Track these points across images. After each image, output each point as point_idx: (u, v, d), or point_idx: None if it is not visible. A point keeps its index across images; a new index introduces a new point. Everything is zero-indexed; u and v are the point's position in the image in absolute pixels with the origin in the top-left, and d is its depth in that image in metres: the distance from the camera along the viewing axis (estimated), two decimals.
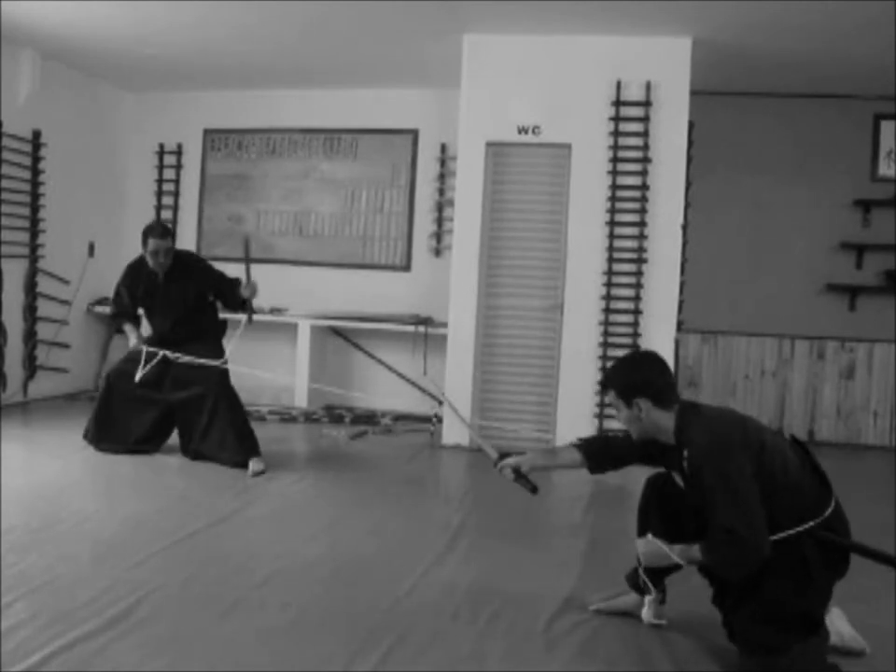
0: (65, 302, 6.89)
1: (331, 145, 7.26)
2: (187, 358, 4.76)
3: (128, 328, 5.06)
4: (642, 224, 5.60)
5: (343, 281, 7.17)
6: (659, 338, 5.60)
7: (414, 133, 7.07)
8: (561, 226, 5.71)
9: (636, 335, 5.62)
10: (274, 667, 2.41)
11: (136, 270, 4.99)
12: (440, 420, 6.04)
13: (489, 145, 5.75)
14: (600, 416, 5.63)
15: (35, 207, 6.52)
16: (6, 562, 3.08)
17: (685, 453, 2.48)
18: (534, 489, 2.84)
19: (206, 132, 7.52)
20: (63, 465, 4.72)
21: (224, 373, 4.84)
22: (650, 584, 2.73)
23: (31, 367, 6.57)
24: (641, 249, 5.60)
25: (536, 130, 5.69)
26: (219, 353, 4.92)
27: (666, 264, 5.62)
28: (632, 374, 2.61)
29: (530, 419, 5.79)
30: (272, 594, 2.96)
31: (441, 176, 7.00)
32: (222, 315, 5.23)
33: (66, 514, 3.76)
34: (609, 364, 5.52)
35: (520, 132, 5.70)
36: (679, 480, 2.58)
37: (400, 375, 7.07)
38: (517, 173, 5.76)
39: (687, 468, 2.48)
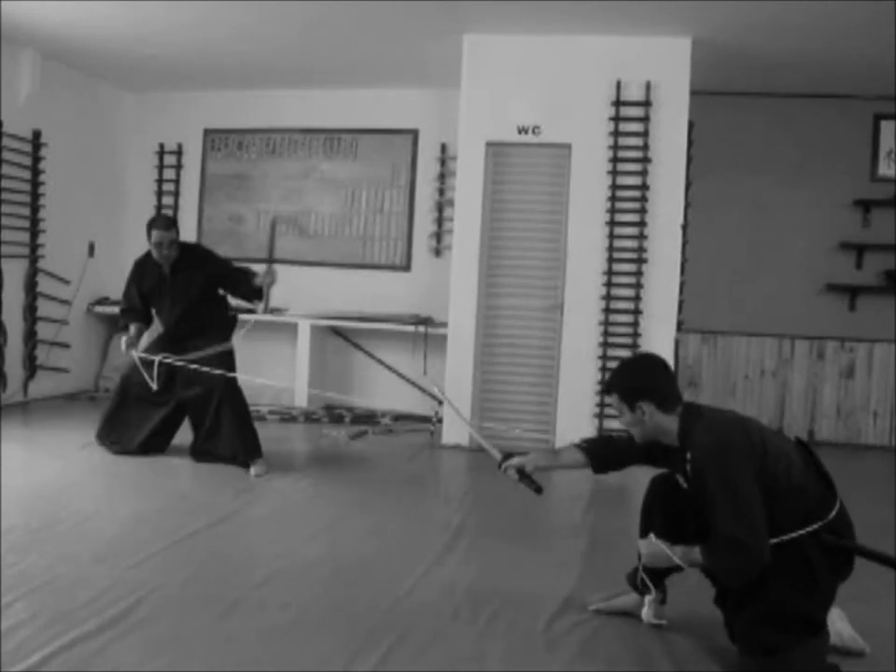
0: (65, 302, 6.90)
1: (331, 145, 7.26)
2: (192, 363, 4.71)
3: (130, 329, 5.00)
4: (642, 224, 5.60)
5: (343, 281, 7.17)
6: (659, 338, 5.60)
7: (414, 133, 7.07)
8: (561, 226, 5.71)
9: (636, 335, 5.62)
10: (274, 667, 2.41)
11: (143, 264, 4.96)
12: (440, 420, 6.04)
13: (489, 145, 5.75)
14: (600, 416, 5.63)
15: (35, 207, 6.53)
16: (6, 562, 3.08)
17: (688, 455, 2.47)
18: (538, 489, 2.84)
19: (206, 132, 7.52)
20: (63, 465, 4.72)
21: (229, 372, 4.81)
22: (650, 584, 2.73)
23: (31, 367, 6.57)
24: (641, 249, 5.60)
25: (536, 130, 5.69)
26: (227, 351, 4.89)
27: (666, 264, 5.62)
28: (635, 378, 2.60)
29: (530, 419, 5.79)
30: (272, 594, 2.96)
31: (441, 176, 7.00)
32: (234, 303, 5.18)
33: (66, 514, 3.76)
34: (609, 365, 5.58)
35: (520, 132, 5.70)
36: (682, 482, 2.58)
37: (400, 375, 7.07)
38: (517, 173, 5.76)
39: (690, 470, 2.48)
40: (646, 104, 5.57)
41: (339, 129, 7.23)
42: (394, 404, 6.99)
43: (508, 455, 2.91)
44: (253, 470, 4.66)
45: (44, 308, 6.67)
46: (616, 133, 5.60)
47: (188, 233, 7.47)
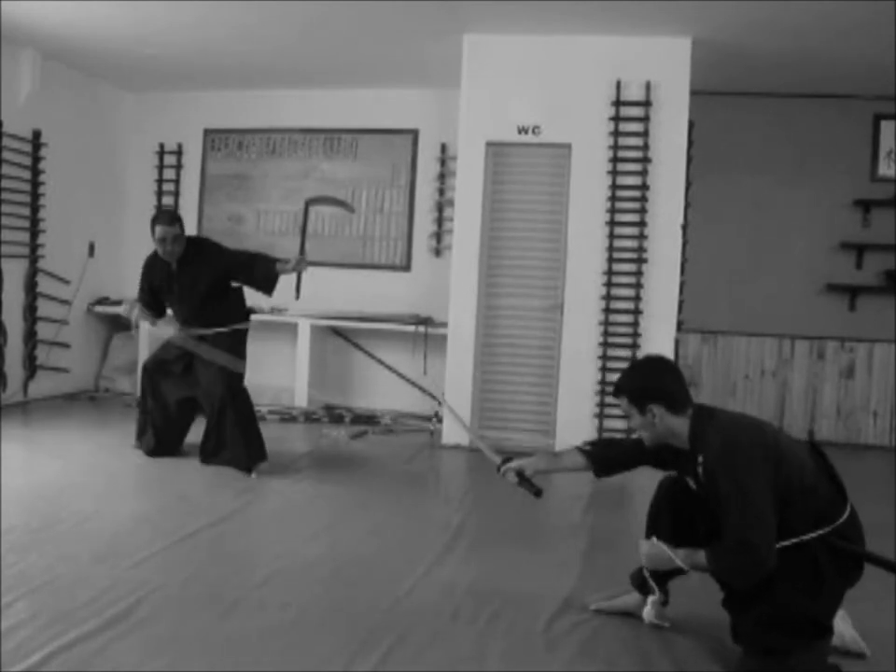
0: (65, 302, 6.90)
1: (331, 145, 7.26)
2: (205, 355, 4.72)
3: (145, 314, 4.96)
4: (642, 224, 5.60)
5: (343, 281, 7.17)
6: (659, 338, 5.60)
7: (414, 133, 7.07)
8: (561, 226, 5.71)
9: (636, 335, 5.62)
10: (274, 667, 2.41)
11: (151, 262, 4.92)
12: (440, 420, 6.04)
13: (489, 145, 5.75)
14: (600, 416, 5.64)
15: (35, 207, 6.52)
16: (6, 562, 3.08)
17: (700, 458, 2.46)
18: (538, 493, 2.83)
19: (206, 132, 7.52)
20: (63, 465, 4.72)
21: (235, 374, 4.78)
22: (654, 585, 2.73)
23: (31, 367, 6.57)
24: (641, 249, 5.60)
25: (536, 130, 5.69)
26: (241, 331, 4.88)
27: (666, 264, 5.62)
28: (644, 380, 2.58)
29: (530, 419, 5.79)
30: (272, 594, 2.96)
31: (441, 176, 7.00)
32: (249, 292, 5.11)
33: (66, 514, 3.76)
34: (609, 365, 5.58)
35: (520, 132, 5.70)
36: (692, 484, 2.56)
37: (400, 375, 7.07)
38: (517, 173, 5.76)
39: (702, 473, 2.46)
40: (646, 104, 5.57)
41: (339, 129, 7.23)
42: (394, 404, 6.99)
43: (507, 459, 2.90)
44: (255, 474, 4.65)
45: (44, 308, 6.66)
46: (616, 133, 5.60)
47: (188, 233, 7.47)
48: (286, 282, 4.91)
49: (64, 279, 6.87)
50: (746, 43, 5.46)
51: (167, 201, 7.61)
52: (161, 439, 4.96)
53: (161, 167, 7.60)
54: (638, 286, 5.60)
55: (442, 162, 6.98)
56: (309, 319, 6.83)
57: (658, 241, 5.61)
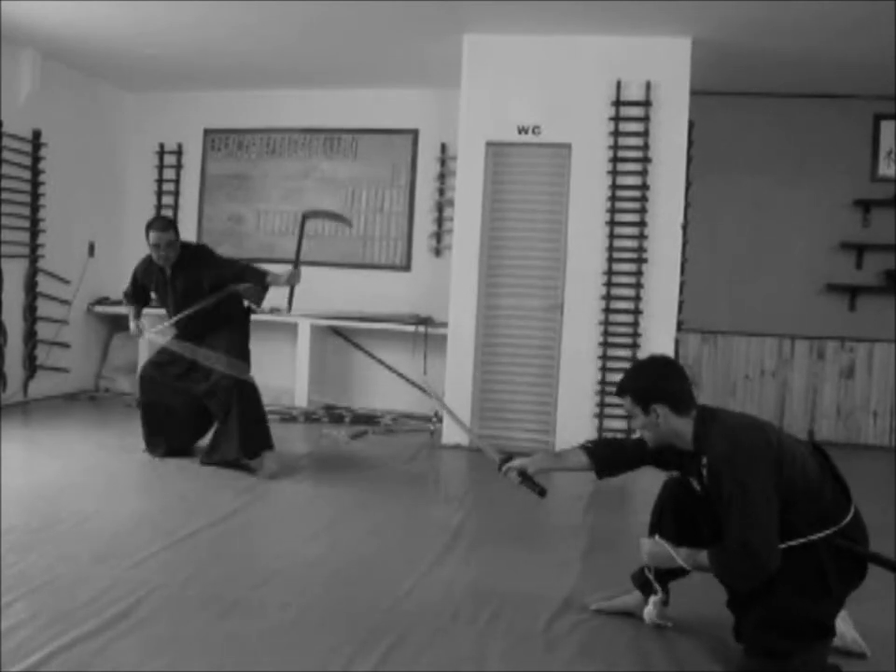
0: (65, 302, 6.90)
1: (331, 145, 7.26)
2: (206, 358, 4.69)
3: (132, 313, 5.07)
4: (642, 224, 5.60)
5: (343, 281, 7.17)
6: (659, 338, 5.60)
7: (414, 133, 7.07)
8: (561, 226, 5.71)
9: (636, 335, 5.62)
10: (274, 667, 2.41)
11: (145, 268, 4.92)
12: (440, 420, 6.04)
13: (489, 145, 5.75)
14: (600, 416, 5.63)
15: (35, 207, 6.53)
16: (6, 562, 3.08)
17: (704, 460, 2.45)
18: (542, 492, 2.82)
19: (206, 132, 7.53)
20: (63, 465, 4.72)
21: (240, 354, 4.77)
22: (656, 585, 2.73)
23: (31, 367, 6.57)
24: (641, 249, 5.60)
25: (536, 130, 5.69)
26: (243, 353, 4.86)
27: (666, 264, 5.62)
28: (648, 380, 2.56)
29: (530, 419, 5.79)
30: (272, 594, 2.96)
31: (441, 176, 7.00)
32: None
33: (66, 514, 3.76)
34: (609, 365, 5.58)
35: (520, 132, 5.70)
36: (696, 485, 2.56)
37: (400, 375, 7.07)
38: (517, 173, 5.76)
39: (706, 475, 2.46)
40: (646, 104, 5.57)
41: (339, 129, 7.23)
42: (394, 404, 6.99)
43: (508, 458, 2.89)
44: (265, 464, 4.61)
45: (44, 308, 6.67)
46: (616, 133, 5.60)
47: (188, 233, 7.48)
48: (281, 287, 4.89)
49: (64, 279, 6.87)
50: (746, 43, 5.46)
51: (167, 201, 7.62)
52: (172, 446, 4.95)
53: (161, 167, 7.60)
54: (638, 286, 5.60)
55: (442, 162, 6.98)
56: (309, 319, 6.83)
57: (658, 241, 5.61)
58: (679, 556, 2.49)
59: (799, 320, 6.61)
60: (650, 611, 2.77)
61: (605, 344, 5.64)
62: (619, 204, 5.61)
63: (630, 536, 3.79)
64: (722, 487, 2.36)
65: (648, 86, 5.57)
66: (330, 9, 5.23)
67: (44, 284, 6.66)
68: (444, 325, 6.12)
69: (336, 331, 7.23)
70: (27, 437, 5.53)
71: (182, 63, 6.65)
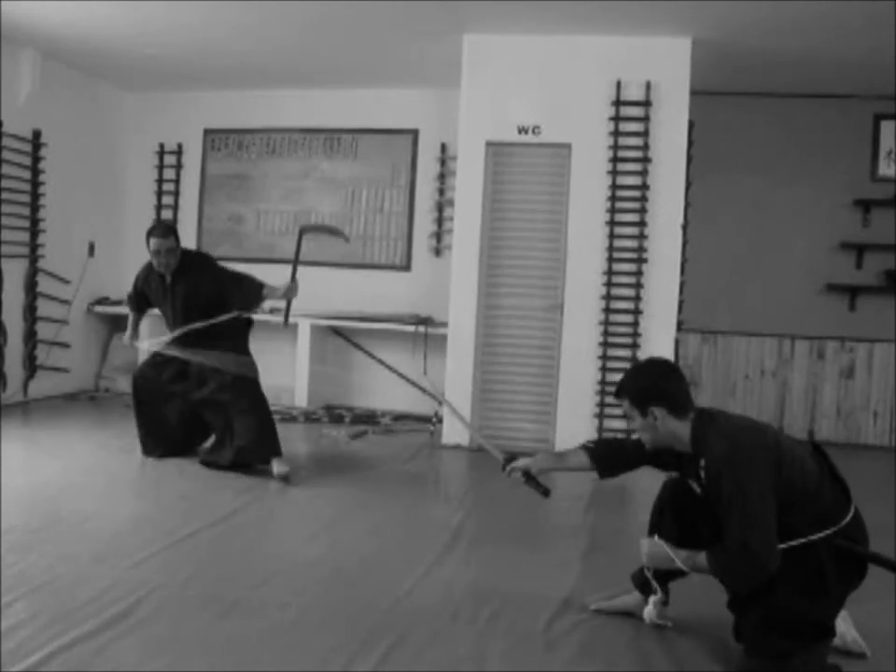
0: (65, 302, 6.90)
1: (331, 145, 7.27)
2: (210, 361, 4.67)
3: (131, 320, 5.12)
4: (642, 224, 5.60)
5: (343, 281, 7.17)
6: (659, 338, 5.60)
7: (414, 133, 7.07)
8: (561, 226, 5.71)
9: (636, 335, 5.61)
10: (274, 667, 2.41)
11: (145, 275, 4.91)
12: (440, 420, 6.04)
13: (489, 145, 5.75)
14: (600, 416, 5.63)
15: (35, 207, 6.53)
16: (6, 562, 3.08)
17: (702, 462, 2.45)
18: (546, 492, 2.84)
19: (206, 132, 7.53)
20: (63, 465, 4.72)
21: (244, 376, 4.75)
22: (656, 585, 2.73)
23: (31, 367, 6.57)
24: (641, 249, 5.60)
25: (536, 130, 5.69)
26: (247, 353, 4.86)
27: (666, 264, 5.62)
28: (646, 382, 2.56)
29: (530, 419, 5.79)
30: (272, 594, 2.96)
31: (441, 176, 7.00)
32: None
33: (66, 514, 3.76)
34: (609, 365, 5.58)
35: (520, 132, 5.70)
36: (695, 487, 2.56)
37: (401, 375, 7.07)
38: (517, 173, 5.76)
39: (704, 477, 2.46)
40: (646, 104, 5.57)
41: (339, 129, 7.23)
42: (394, 404, 6.99)
43: (512, 458, 2.90)
44: (276, 468, 4.58)
45: (44, 308, 6.67)
46: (616, 133, 5.60)
47: (188, 233, 7.50)
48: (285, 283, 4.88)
49: (64, 279, 6.87)
50: (746, 43, 5.46)
51: (167, 201, 7.62)
52: (168, 449, 4.94)
53: (161, 167, 7.60)
54: (638, 286, 5.60)
55: (442, 162, 6.98)
56: (309, 319, 6.83)
57: (658, 241, 5.61)
58: (678, 558, 2.49)
59: (799, 320, 6.61)
60: (650, 611, 2.77)
61: (605, 344, 5.64)
62: (619, 204, 5.61)
63: (630, 536, 3.79)
64: (721, 489, 2.36)
65: (648, 86, 5.57)
66: (330, 9, 5.23)
67: (44, 284, 6.66)
68: (444, 325, 6.12)
69: (336, 331, 7.22)
70: (27, 437, 5.53)
71: (182, 63, 6.65)
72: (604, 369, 5.62)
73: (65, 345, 6.88)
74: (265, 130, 7.38)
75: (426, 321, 6.67)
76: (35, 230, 6.54)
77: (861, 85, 6.22)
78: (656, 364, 2.69)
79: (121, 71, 6.96)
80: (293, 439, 5.89)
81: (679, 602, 2.80)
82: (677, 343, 5.91)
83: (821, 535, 2.35)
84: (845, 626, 2.60)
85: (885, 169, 6.54)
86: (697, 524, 2.59)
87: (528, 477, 2.85)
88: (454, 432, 5.77)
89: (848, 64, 5.76)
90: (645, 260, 5.60)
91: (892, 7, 4.63)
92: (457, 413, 3.59)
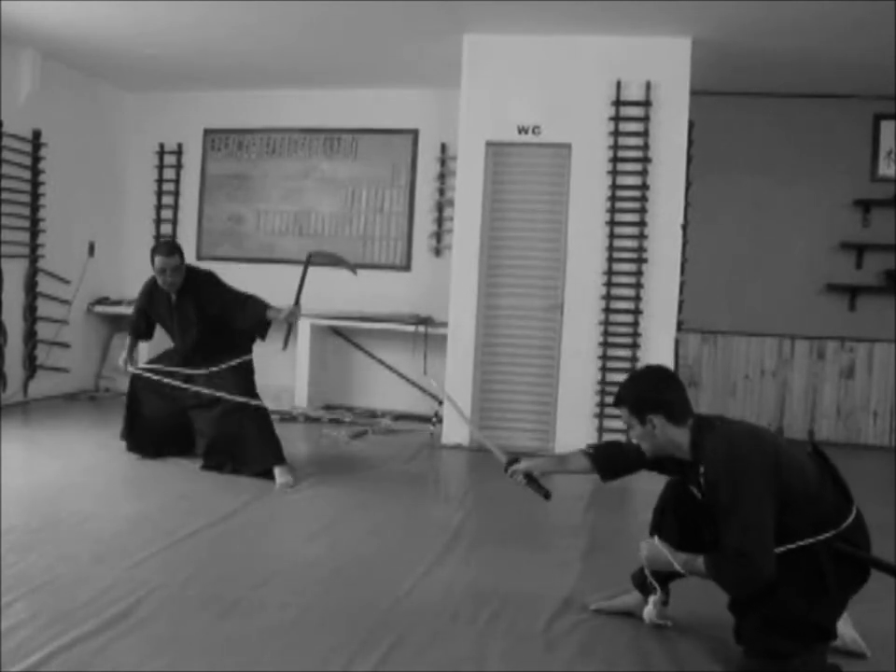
0: (65, 302, 6.90)
1: (331, 145, 7.26)
2: (217, 391, 4.63)
3: (128, 345, 5.03)
4: (642, 224, 5.60)
5: (343, 281, 7.15)
6: (659, 338, 5.61)
7: (414, 133, 7.07)
8: (561, 226, 5.71)
9: (636, 335, 5.61)
10: (274, 667, 2.41)
11: (150, 291, 4.86)
12: (440, 420, 6.04)
13: (489, 145, 5.75)
14: (600, 416, 5.63)
15: (35, 207, 6.53)
16: (6, 562, 3.08)
17: (701, 469, 2.45)
18: (547, 494, 2.86)
19: (206, 132, 7.53)
20: (63, 465, 4.72)
21: (248, 391, 4.73)
22: (656, 585, 2.73)
23: (31, 367, 6.57)
24: (641, 249, 5.60)
25: (536, 130, 5.69)
26: (245, 363, 4.82)
27: (666, 264, 5.62)
28: (645, 391, 2.56)
29: (530, 419, 5.79)
30: (272, 594, 2.96)
31: (441, 176, 7.00)
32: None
33: (66, 514, 3.76)
34: (609, 365, 5.58)
35: (520, 132, 5.70)
36: (696, 493, 2.56)
37: (401, 375, 7.07)
38: (517, 173, 5.76)
39: (704, 483, 2.46)
40: (646, 104, 5.57)
41: (339, 129, 7.23)
42: (394, 404, 6.99)
43: (514, 460, 2.91)
44: (279, 478, 4.53)
45: (44, 308, 6.66)
46: (616, 133, 5.60)
47: (188, 233, 7.51)
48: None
49: (64, 279, 6.87)
50: (746, 43, 5.46)
51: (167, 201, 7.62)
52: (155, 450, 4.92)
53: (161, 167, 7.60)
54: (638, 286, 5.60)
55: (442, 162, 6.98)
56: (309, 319, 6.82)
57: (658, 241, 5.61)
58: (677, 561, 2.49)
59: (799, 320, 6.61)
60: (650, 611, 2.77)
61: (605, 344, 5.64)
62: (619, 204, 5.61)
63: (630, 536, 3.79)
64: (719, 495, 2.36)
65: (648, 86, 5.57)
66: (330, 9, 5.23)
67: (44, 284, 6.66)
68: (444, 325, 6.12)
69: (336, 331, 7.22)
70: (27, 437, 5.53)
71: (182, 63, 6.65)
72: (604, 369, 5.62)
73: (65, 345, 6.88)
74: (265, 130, 7.38)
75: (426, 321, 6.67)
76: (35, 230, 6.54)
77: (861, 85, 6.22)
78: (654, 372, 2.68)
79: (121, 71, 6.96)
80: (293, 439, 5.89)
81: (679, 602, 2.80)
82: (677, 343, 5.91)
83: (821, 538, 2.35)
84: (844, 626, 2.60)
85: (885, 169, 6.54)
86: (698, 526, 2.59)
87: (530, 479, 2.86)
88: (454, 432, 5.77)
89: (848, 64, 5.76)
90: (645, 260, 5.60)
91: (892, 7, 4.63)
92: (461, 412, 3.59)
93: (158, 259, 4.62)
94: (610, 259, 5.63)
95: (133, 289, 7.28)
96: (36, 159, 6.50)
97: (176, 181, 7.58)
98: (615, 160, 5.60)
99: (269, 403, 6.58)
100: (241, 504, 4.11)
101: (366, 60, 6.34)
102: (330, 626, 2.70)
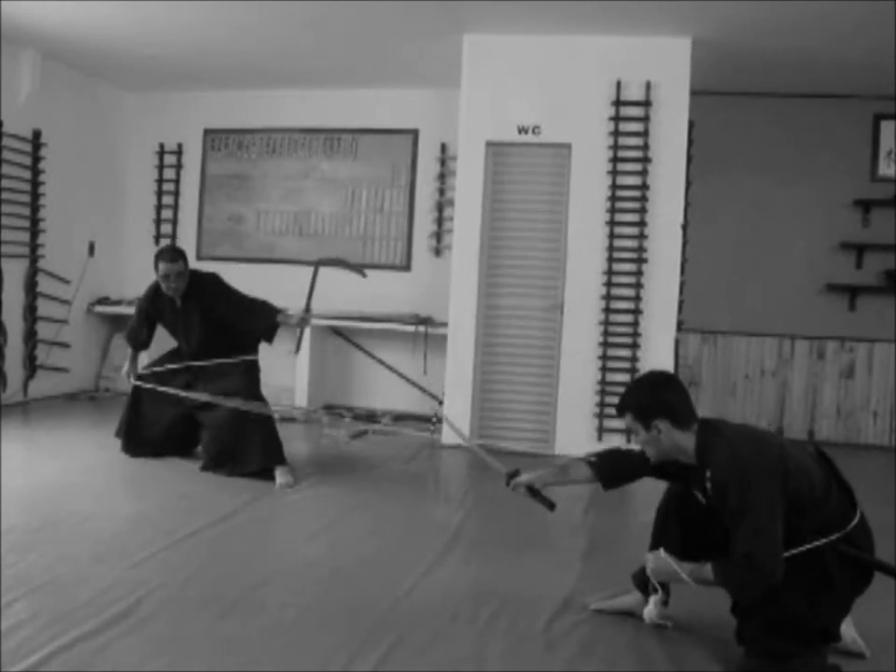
0: (65, 302, 6.90)
1: (331, 145, 7.26)
2: (224, 403, 4.60)
3: (130, 354, 5.04)
4: (642, 224, 5.60)
5: (343, 281, 7.15)
6: (659, 338, 5.61)
7: (414, 133, 7.07)
8: (561, 226, 5.71)
9: (636, 335, 5.61)
10: (274, 667, 2.41)
11: (155, 294, 4.83)
12: (440, 420, 6.04)
13: (489, 145, 5.75)
14: (600, 416, 5.63)
15: (35, 207, 6.53)
16: (6, 562, 3.08)
17: (707, 473, 2.45)
18: (552, 505, 2.87)
19: (206, 132, 7.53)
20: (63, 465, 4.72)
21: (253, 391, 4.74)
22: (657, 585, 2.72)
23: (31, 367, 6.57)
24: (641, 249, 5.60)
25: (536, 130, 5.69)
26: (251, 362, 4.83)
27: (666, 264, 5.62)
28: (649, 396, 2.56)
29: (530, 419, 5.78)
30: (272, 594, 2.96)
31: (441, 176, 7.00)
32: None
33: (66, 514, 3.76)
34: (609, 365, 5.58)
35: (520, 132, 5.70)
36: (700, 498, 2.56)
37: (401, 375, 7.07)
38: (517, 173, 5.76)
39: (710, 488, 2.45)
40: (646, 104, 5.57)
41: (339, 129, 7.23)
42: (394, 404, 6.99)
43: (515, 473, 2.91)
44: (279, 478, 4.52)
45: (44, 308, 6.66)
46: (616, 133, 5.60)
47: (188, 233, 7.51)
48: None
49: (64, 279, 6.87)
50: (746, 43, 5.46)
51: (167, 201, 7.62)
52: (153, 450, 4.90)
53: (161, 167, 7.60)
54: (638, 286, 5.60)
55: (442, 162, 6.98)
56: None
57: (658, 241, 5.61)
58: (684, 571, 2.48)
59: (799, 320, 6.61)
60: (650, 611, 2.77)
61: (605, 344, 5.64)
62: (619, 204, 5.61)
63: (630, 536, 3.80)
64: (727, 500, 2.36)
65: (648, 86, 5.58)
66: (330, 9, 5.23)
67: (44, 284, 6.66)
68: (444, 325, 6.12)
69: (336, 331, 7.22)
70: (27, 437, 5.53)
71: (182, 63, 6.65)
72: (604, 369, 5.62)
73: (65, 345, 6.88)
74: (265, 130, 7.38)
75: (426, 321, 6.67)
76: (35, 230, 6.53)
77: (861, 85, 6.22)
78: (657, 377, 2.68)
79: (121, 71, 6.96)
80: (293, 439, 5.89)
81: (679, 602, 2.80)
82: (677, 343, 5.91)
83: (826, 541, 2.35)
84: (845, 627, 2.59)
85: (885, 169, 6.54)
86: (702, 528, 2.59)
87: (533, 492, 2.86)
88: (454, 432, 5.76)
89: (848, 64, 5.76)
90: (645, 260, 5.60)
91: (892, 8, 4.63)
92: (459, 431, 3.58)
93: (162, 265, 4.60)
94: (610, 259, 5.63)
95: (133, 289, 7.34)
96: (36, 159, 6.50)
97: (176, 181, 7.58)
98: (615, 160, 5.60)
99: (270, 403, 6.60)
100: (241, 504, 4.11)
101: (366, 60, 6.34)
102: (330, 626, 2.70)
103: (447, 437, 5.82)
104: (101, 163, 7.37)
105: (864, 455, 6.26)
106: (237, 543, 3.57)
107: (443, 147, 6.96)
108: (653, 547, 2.69)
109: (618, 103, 5.60)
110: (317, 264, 4.91)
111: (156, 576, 3.04)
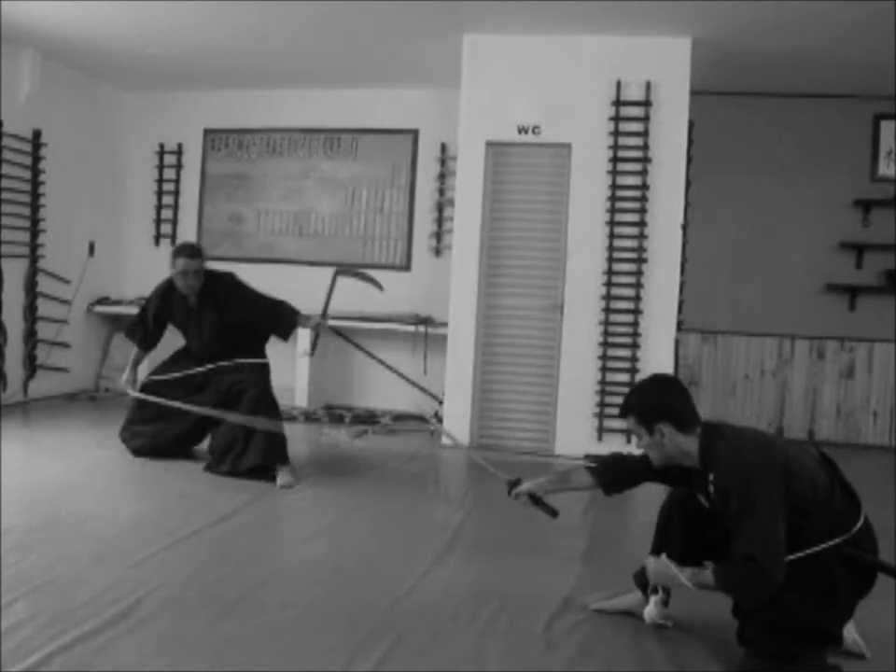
0: (65, 302, 6.90)
1: (331, 145, 7.27)
2: (237, 421, 4.57)
3: (132, 359, 4.97)
4: (642, 224, 5.60)
5: (343, 280, 7.14)
6: (659, 338, 5.61)
7: (414, 133, 7.07)
8: (561, 226, 5.71)
9: (636, 335, 5.61)
10: (274, 667, 2.41)
11: (167, 293, 4.76)
12: (440, 420, 6.04)
13: (489, 145, 5.75)
14: (600, 416, 5.63)
15: (35, 207, 6.52)
16: (6, 562, 3.08)
17: (710, 477, 2.45)
18: (554, 513, 2.88)
19: (206, 132, 7.53)
20: (63, 465, 4.72)
21: (264, 389, 4.72)
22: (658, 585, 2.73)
23: (31, 367, 6.57)
24: (641, 249, 5.60)
25: (536, 130, 5.69)
26: (261, 364, 4.83)
27: (666, 264, 5.62)
28: (652, 399, 2.56)
29: (530, 419, 5.78)
30: (272, 594, 2.96)
31: (441, 176, 7.00)
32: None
33: (66, 514, 3.76)
34: (609, 365, 5.58)
35: (520, 131, 5.70)
36: (703, 501, 2.56)
37: (401, 375, 7.05)
38: (517, 173, 5.76)
39: (713, 492, 2.45)
40: (646, 104, 5.57)
41: (339, 129, 7.23)
42: (394, 404, 6.99)
43: (516, 482, 2.92)
44: (280, 479, 4.50)
45: (44, 308, 6.66)
46: (616, 133, 5.60)
47: (188, 233, 7.51)
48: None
49: (64, 279, 6.87)
50: (746, 43, 5.46)
51: (167, 201, 7.62)
52: (154, 445, 4.87)
53: (161, 167, 7.60)
54: (638, 286, 5.60)
55: (442, 162, 6.98)
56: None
57: (658, 241, 5.61)
58: (684, 576, 2.48)
59: (799, 320, 6.61)
60: (650, 611, 2.77)
61: (605, 344, 5.64)
62: (619, 204, 5.61)
63: (630, 536, 3.80)
64: (730, 504, 2.36)
65: (648, 86, 5.58)
66: (330, 9, 5.23)
67: (44, 284, 6.66)
68: (444, 325, 6.12)
69: (336, 331, 7.21)
70: (27, 437, 5.53)
71: (182, 63, 6.65)
72: (604, 369, 5.62)
73: (65, 345, 6.88)
74: (265, 130, 7.38)
75: (426, 321, 6.67)
76: (35, 230, 6.53)
77: (861, 85, 6.22)
78: (660, 380, 2.68)
79: (121, 71, 6.96)
80: (293, 439, 5.87)
81: (679, 602, 2.80)
82: (677, 343, 5.91)
83: (831, 543, 2.35)
84: (846, 628, 2.59)
85: (885, 169, 6.54)
86: (704, 532, 2.59)
87: (535, 500, 2.87)
88: (454, 432, 5.76)
89: (848, 64, 5.76)
90: (645, 260, 5.60)
91: (892, 7, 4.63)
92: (458, 442, 3.58)
93: (181, 261, 4.54)
94: (610, 259, 5.63)
95: (133, 289, 7.35)
96: (36, 159, 6.50)
97: (176, 181, 7.58)
98: (615, 160, 5.60)
99: None
100: (241, 504, 4.10)
101: (366, 60, 6.34)
102: (330, 626, 2.70)
103: (447, 437, 5.81)
104: (101, 163, 7.37)
105: (864, 454, 6.26)
106: (237, 543, 3.57)
107: (443, 147, 6.96)
108: (655, 550, 2.69)
109: (618, 103, 5.60)
110: (336, 274, 4.92)
111: (156, 576, 3.04)
